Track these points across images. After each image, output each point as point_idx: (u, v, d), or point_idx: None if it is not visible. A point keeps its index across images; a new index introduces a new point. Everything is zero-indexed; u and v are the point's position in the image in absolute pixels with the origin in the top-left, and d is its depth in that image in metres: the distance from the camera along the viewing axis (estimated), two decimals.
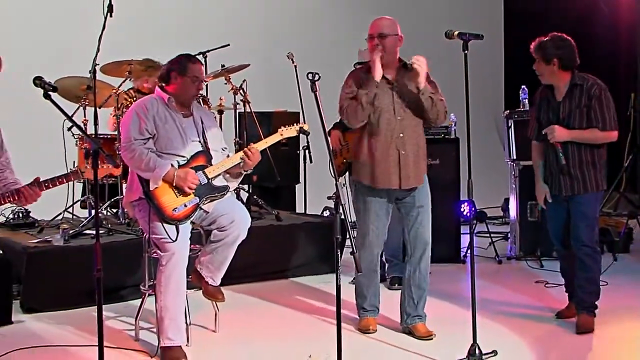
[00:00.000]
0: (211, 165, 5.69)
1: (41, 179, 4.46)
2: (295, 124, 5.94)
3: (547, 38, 5.97)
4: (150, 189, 5.45)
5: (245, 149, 5.71)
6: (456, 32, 5.29)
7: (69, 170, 4.86)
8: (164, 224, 5.44)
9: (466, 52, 5.23)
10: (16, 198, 4.40)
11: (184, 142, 5.66)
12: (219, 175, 5.69)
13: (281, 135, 5.91)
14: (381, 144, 5.69)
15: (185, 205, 5.52)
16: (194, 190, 5.53)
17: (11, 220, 7.72)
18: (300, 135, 6.27)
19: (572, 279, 6.19)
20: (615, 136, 5.93)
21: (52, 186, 4.49)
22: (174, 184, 5.48)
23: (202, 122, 5.82)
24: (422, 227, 5.84)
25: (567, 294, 6.34)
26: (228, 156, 5.86)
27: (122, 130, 5.76)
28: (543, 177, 6.19)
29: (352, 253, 4.63)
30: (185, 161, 5.62)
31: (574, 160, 5.95)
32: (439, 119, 5.80)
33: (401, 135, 5.69)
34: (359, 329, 5.93)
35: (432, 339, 5.79)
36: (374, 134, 5.71)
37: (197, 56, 7.88)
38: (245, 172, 5.83)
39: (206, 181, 5.62)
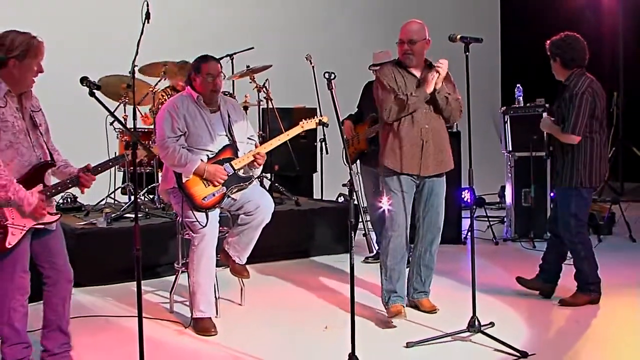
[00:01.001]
0: (237, 157, 5.70)
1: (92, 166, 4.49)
2: (315, 117, 5.94)
3: (557, 37, 5.93)
4: (183, 181, 5.48)
5: (255, 155, 5.69)
6: (458, 36, 5.26)
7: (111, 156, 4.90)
8: (195, 212, 5.47)
9: (467, 53, 5.20)
10: (76, 184, 4.44)
11: (212, 138, 5.67)
12: (244, 166, 5.70)
13: (302, 127, 5.90)
14: (408, 133, 5.60)
15: (214, 195, 5.54)
16: (222, 182, 5.56)
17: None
18: (317, 128, 6.26)
19: (544, 259, 6.21)
20: (575, 140, 5.80)
21: (102, 170, 4.53)
22: (204, 178, 5.51)
23: (228, 116, 5.83)
24: (436, 214, 5.76)
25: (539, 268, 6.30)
26: (256, 145, 5.89)
27: (157, 129, 5.76)
28: None
29: (364, 235, 4.63)
30: (214, 154, 5.63)
31: (557, 155, 5.94)
32: (453, 117, 5.74)
33: (426, 126, 5.62)
34: (387, 317, 5.58)
35: (436, 312, 5.78)
36: (402, 124, 5.61)
37: (223, 57, 7.99)
38: (254, 169, 5.81)
39: (233, 172, 5.63)
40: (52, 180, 4.53)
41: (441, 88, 5.56)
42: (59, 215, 4.53)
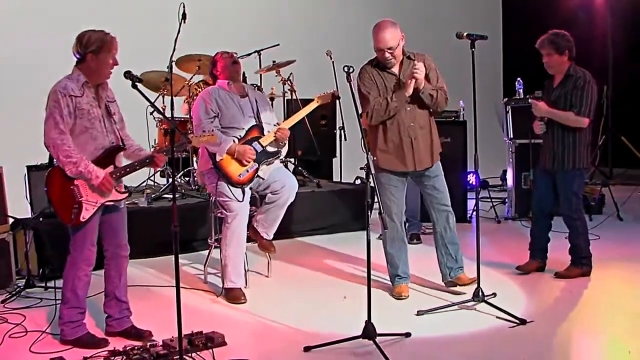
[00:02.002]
0: (264, 135, 5.70)
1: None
2: (327, 91, 5.93)
3: (552, 33, 5.82)
4: (217, 160, 5.49)
5: (276, 129, 5.72)
6: (465, 33, 5.19)
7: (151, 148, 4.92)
8: (232, 188, 5.48)
9: (473, 49, 5.14)
10: (150, 163, 4.56)
11: (243, 117, 5.70)
12: (270, 143, 5.70)
13: (317, 102, 5.92)
14: (395, 133, 5.38)
15: (248, 171, 5.58)
16: (251, 161, 5.56)
17: None
18: (337, 117, 6.22)
19: (536, 240, 6.14)
20: (586, 123, 5.76)
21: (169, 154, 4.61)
22: (235, 157, 5.51)
23: (256, 102, 5.86)
24: (440, 193, 5.55)
25: (530, 252, 6.21)
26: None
27: (193, 114, 5.83)
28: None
29: (379, 214, 4.61)
30: (244, 133, 5.65)
31: (557, 140, 5.85)
32: (440, 108, 5.49)
33: (412, 124, 5.40)
34: (393, 295, 5.56)
35: (473, 283, 5.41)
36: (387, 125, 5.40)
37: (251, 53, 8.01)
38: (282, 145, 5.81)
39: (261, 149, 5.64)
40: (123, 163, 4.61)
41: (424, 87, 5.32)
42: (127, 194, 4.65)
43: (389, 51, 5.31)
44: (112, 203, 4.51)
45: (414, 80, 5.26)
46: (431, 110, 5.51)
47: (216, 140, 5.01)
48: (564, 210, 5.93)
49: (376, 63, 5.47)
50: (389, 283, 5.70)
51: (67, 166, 4.30)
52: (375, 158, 5.47)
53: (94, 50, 4.37)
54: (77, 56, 4.44)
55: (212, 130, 5.25)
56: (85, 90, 4.41)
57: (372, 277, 4.51)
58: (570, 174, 5.85)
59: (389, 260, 5.62)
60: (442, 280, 5.72)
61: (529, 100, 5.78)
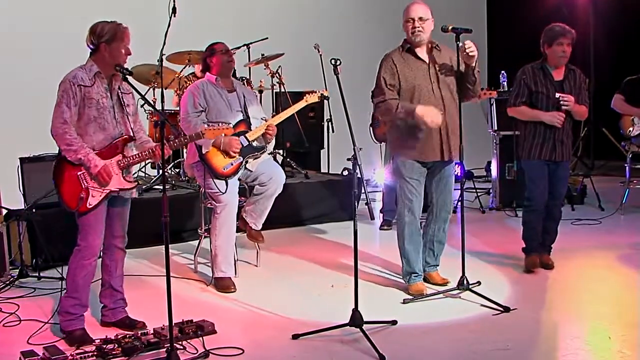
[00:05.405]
0: (251, 130, 5.69)
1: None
2: (317, 91, 5.93)
3: (563, 24, 5.73)
4: (203, 152, 5.48)
5: (266, 125, 5.68)
6: (450, 27, 5.15)
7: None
8: (215, 180, 5.46)
9: (458, 42, 5.14)
10: (151, 155, 4.47)
11: (230, 112, 5.68)
12: (257, 138, 5.68)
13: (306, 101, 5.91)
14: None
15: (232, 164, 5.55)
16: (238, 152, 5.55)
17: None
18: (325, 109, 6.20)
19: (538, 233, 5.96)
20: None
21: (177, 146, 4.57)
22: (222, 149, 5.50)
23: (244, 96, 5.84)
24: (449, 193, 5.46)
25: (530, 246, 5.95)
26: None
27: (181, 106, 5.82)
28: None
29: (366, 204, 4.62)
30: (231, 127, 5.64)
31: (565, 131, 5.78)
32: (477, 92, 5.31)
33: (442, 112, 5.11)
34: (410, 294, 5.25)
35: (447, 285, 5.45)
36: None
37: (240, 47, 7.99)
38: (268, 142, 5.77)
39: (247, 143, 5.63)
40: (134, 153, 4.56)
41: (474, 67, 5.19)
42: (136, 183, 4.59)
43: (419, 21, 5.10)
44: (118, 192, 4.45)
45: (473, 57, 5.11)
46: (468, 95, 5.30)
47: (231, 132, 5.00)
48: (561, 199, 5.96)
49: (408, 48, 5.21)
50: (376, 272, 5.72)
51: (67, 153, 4.28)
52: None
53: (107, 40, 4.35)
54: (91, 47, 4.41)
55: (203, 123, 5.21)
56: (97, 80, 4.37)
57: (359, 266, 4.52)
58: (568, 164, 5.93)
59: (406, 256, 5.34)
60: None
61: (558, 95, 5.65)
